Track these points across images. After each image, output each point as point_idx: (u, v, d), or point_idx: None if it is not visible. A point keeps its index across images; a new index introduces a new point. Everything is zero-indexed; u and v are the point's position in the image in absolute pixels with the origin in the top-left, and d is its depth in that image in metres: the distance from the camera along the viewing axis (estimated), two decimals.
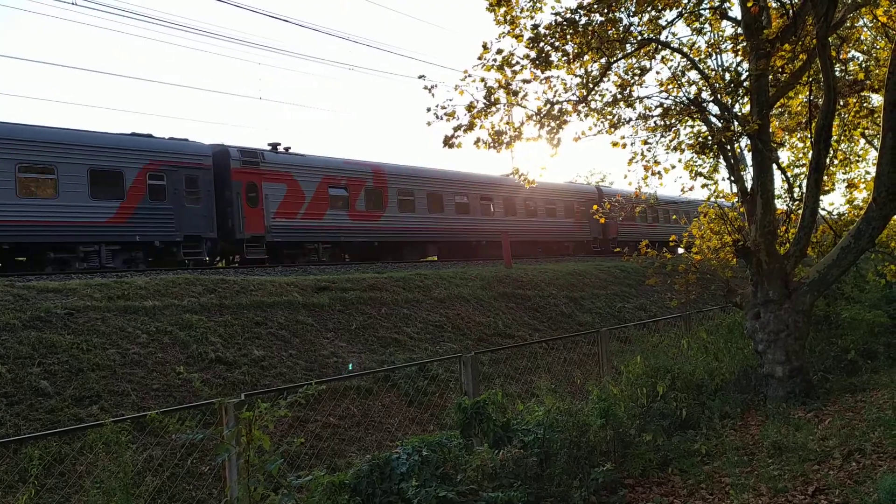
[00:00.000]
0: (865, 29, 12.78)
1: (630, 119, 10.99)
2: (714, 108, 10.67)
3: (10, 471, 7.13)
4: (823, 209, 12.56)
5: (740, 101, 10.92)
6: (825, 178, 11.38)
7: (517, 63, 10.03)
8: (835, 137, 11.72)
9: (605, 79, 10.76)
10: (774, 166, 10.62)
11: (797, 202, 10.97)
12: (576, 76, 10.63)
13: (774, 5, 10.98)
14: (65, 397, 8.68)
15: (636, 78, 10.98)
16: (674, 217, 43.14)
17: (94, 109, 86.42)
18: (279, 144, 23.21)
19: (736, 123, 10.04)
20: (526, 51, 10.06)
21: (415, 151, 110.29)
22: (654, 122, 10.97)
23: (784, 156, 25.97)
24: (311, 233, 22.96)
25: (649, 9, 10.31)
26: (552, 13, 9.89)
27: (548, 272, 21.82)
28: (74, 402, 8.67)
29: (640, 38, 10.58)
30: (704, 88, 10.95)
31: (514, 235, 28.91)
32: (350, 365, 10.13)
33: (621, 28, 10.18)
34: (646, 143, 11.23)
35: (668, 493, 6.63)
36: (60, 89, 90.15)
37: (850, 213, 13.18)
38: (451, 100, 9.97)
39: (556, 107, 10.40)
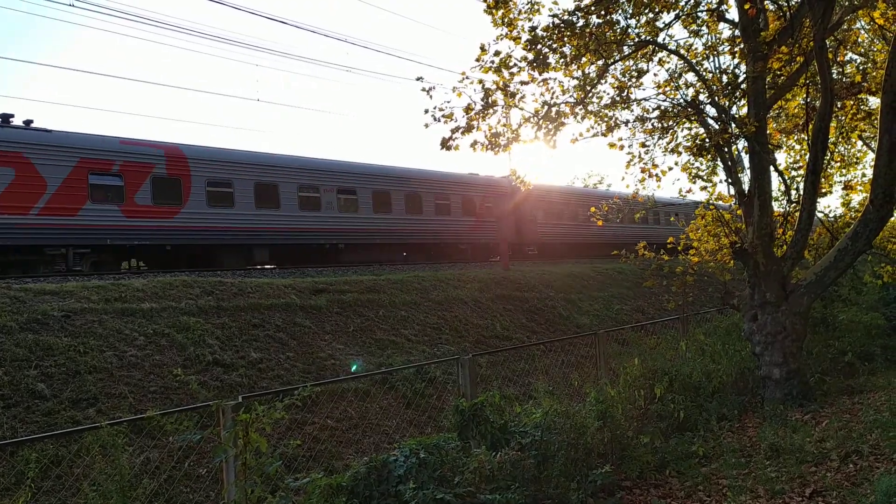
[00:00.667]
0: (863, 31, 12.82)
1: (627, 121, 11.02)
2: (711, 111, 10.71)
3: (7, 473, 7.11)
4: (820, 211, 12.60)
5: (737, 104, 10.95)
6: (822, 180, 11.41)
7: (514, 65, 10.05)
8: (832, 140, 11.76)
9: (603, 81, 10.79)
10: (772, 168, 10.65)
11: (794, 204, 10.99)
12: (573, 78, 10.66)
13: (772, 8, 11.02)
14: (62, 400, 8.66)
15: (633, 80, 11.02)
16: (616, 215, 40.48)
17: (90, 110, 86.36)
18: (12, 116, 17.62)
19: (733, 125, 10.06)
20: (523, 53, 10.10)
21: (414, 153, 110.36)
22: (652, 125, 11.00)
23: (781, 158, 25.99)
24: (57, 233, 17.30)
25: (646, 11, 10.34)
26: (550, 15, 9.92)
27: (545, 274, 21.84)
28: (71, 405, 8.65)
29: (637, 40, 10.61)
30: (702, 90, 10.98)
31: (388, 236, 25.05)
32: (354, 366, 10.10)
33: (619, 30, 10.21)
34: (643, 145, 11.26)
35: (666, 494, 6.63)
36: (57, 90, 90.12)
37: (847, 216, 13.21)
38: (448, 102, 9.99)
39: (554, 109, 10.42)
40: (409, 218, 25.93)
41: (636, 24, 10.59)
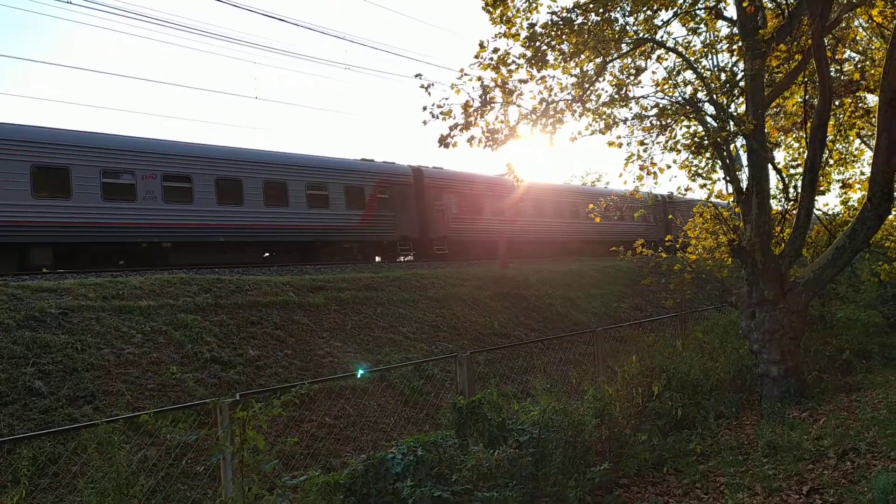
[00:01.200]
0: (861, 29, 12.82)
1: (626, 119, 11.03)
2: (710, 108, 10.71)
3: (4, 471, 7.10)
4: (818, 209, 12.59)
5: (736, 101, 10.95)
6: (820, 178, 11.41)
7: (513, 62, 10.05)
8: (830, 137, 11.75)
9: (601, 78, 10.79)
10: (770, 166, 10.65)
11: (792, 202, 10.99)
12: (571, 76, 10.66)
13: (770, 5, 11.01)
14: (59, 397, 8.65)
15: (632, 78, 11.02)
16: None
17: (87, 108, 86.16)
18: None
19: (732, 123, 10.06)
20: (522, 50, 10.09)
21: (412, 151, 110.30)
22: (650, 122, 11.00)
23: (779, 156, 25.92)
24: None
25: (645, 9, 10.33)
26: (548, 12, 9.93)
27: (544, 272, 21.84)
28: (68, 402, 8.64)
29: (635, 37, 10.61)
30: (700, 88, 10.98)
31: (239, 233, 20.74)
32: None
33: (617, 28, 10.21)
34: (642, 143, 11.26)
35: (664, 492, 6.63)
36: (54, 88, 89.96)
37: (845, 214, 13.21)
38: (447, 98, 9.99)
39: (552, 106, 10.42)
40: (270, 211, 21.64)
41: (634, 22, 10.60)
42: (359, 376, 10.28)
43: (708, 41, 11.56)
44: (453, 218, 27.48)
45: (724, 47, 11.36)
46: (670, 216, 38.20)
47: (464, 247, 27.84)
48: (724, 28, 11.58)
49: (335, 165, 24.18)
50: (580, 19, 9.92)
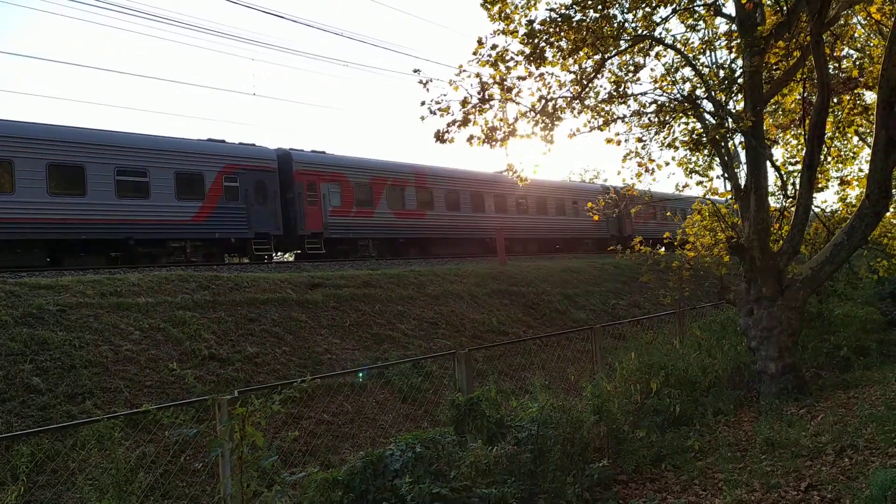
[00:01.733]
0: (859, 26, 12.81)
1: (624, 116, 11.02)
2: (708, 105, 10.70)
3: (2, 468, 7.10)
4: (816, 206, 12.61)
5: (734, 98, 10.95)
6: (818, 175, 11.42)
7: (511, 59, 10.03)
8: (828, 135, 11.76)
9: (600, 75, 10.78)
10: (768, 163, 10.65)
11: (791, 199, 11.00)
12: (570, 73, 10.64)
13: (768, 2, 11.00)
14: (57, 394, 8.65)
15: (630, 75, 11.01)
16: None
17: (85, 105, 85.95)
18: None
19: (730, 120, 10.06)
20: (520, 47, 10.07)
21: (411, 148, 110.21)
22: (649, 119, 11.00)
23: (778, 153, 25.87)
24: None
25: (643, 5, 10.33)
26: (547, 9, 9.91)
27: (542, 269, 21.84)
28: (67, 399, 8.64)
29: (634, 34, 10.60)
30: (699, 85, 10.97)
31: (9, 230, 16.45)
32: (359, 376, 10.09)
33: (616, 24, 10.20)
34: (640, 140, 11.26)
35: (662, 489, 6.64)
36: (53, 85, 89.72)
37: (843, 211, 13.23)
38: (444, 94, 9.95)
39: (550, 103, 10.40)
40: (57, 201, 17.28)
41: (633, 19, 10.58)
42: (360, 378, 10.29)
43: (707, 38, 11.55)
44: (333, 211, 23.46)
45: (723, 44, 11.36)
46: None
47: (349, 245, 24.29)
48: (722, 25, 11.59)
49: (160, 146, 19.70)
50: (579, 16, 9.90)
